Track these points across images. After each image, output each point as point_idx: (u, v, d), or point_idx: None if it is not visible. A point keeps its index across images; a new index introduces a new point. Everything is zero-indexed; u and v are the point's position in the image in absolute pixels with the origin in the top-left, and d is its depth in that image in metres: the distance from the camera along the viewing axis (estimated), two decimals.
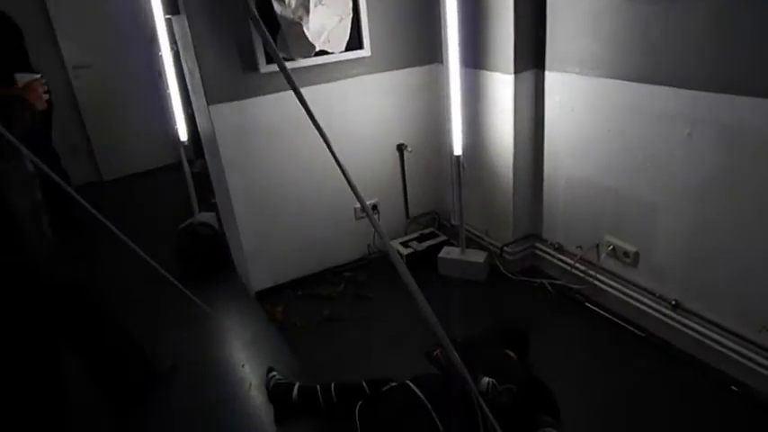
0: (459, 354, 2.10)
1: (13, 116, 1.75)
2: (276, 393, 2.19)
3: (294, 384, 2.19)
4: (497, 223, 3.03)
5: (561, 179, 2.73)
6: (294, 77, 1.14)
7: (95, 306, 2.12)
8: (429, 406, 1.72)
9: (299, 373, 2.39)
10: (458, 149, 2.80)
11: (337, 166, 1.19)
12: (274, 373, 2.32)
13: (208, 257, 3.40)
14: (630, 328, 2.45)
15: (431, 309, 1.19)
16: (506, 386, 1.74)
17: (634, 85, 2.19)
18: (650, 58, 2.10)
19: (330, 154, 1.19)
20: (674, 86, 2.04)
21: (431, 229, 3.38)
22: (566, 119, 2.59)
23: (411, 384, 1.83)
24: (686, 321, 2.26)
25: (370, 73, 2.93)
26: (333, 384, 2.12)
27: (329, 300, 2.94)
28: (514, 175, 2.81)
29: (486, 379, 1.78)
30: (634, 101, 2.22)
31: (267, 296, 3.02)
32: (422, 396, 1.75)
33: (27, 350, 1.92)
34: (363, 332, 2.65)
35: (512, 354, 2.10)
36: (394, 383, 2.00)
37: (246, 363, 2.50)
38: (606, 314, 2.57)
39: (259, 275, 3.02)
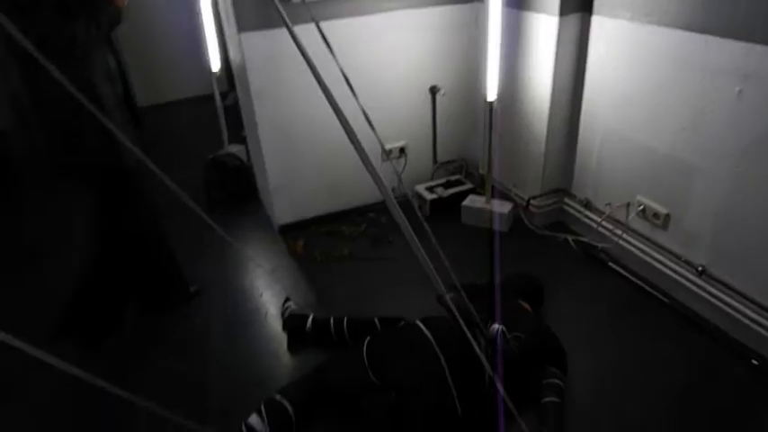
0: (472, 299, 2.11)
1: (101, 8, 1.85)
2: (290, 323, 2.25)
3: (308, 316, 2.24)
4: (526, 175, 2.95)
5: (597, 133, 2.62)
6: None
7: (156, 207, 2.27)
8: (435, 345, 1.73)
9: (315, 305, 2.44)
10: (492, 95, 2.70)
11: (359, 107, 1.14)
12: (290, 303, 2.38)
13: (234, 189, 3.45)
14: (652, 292, 2.40)
15: (428, 260, 1.17)
16: (515, 334, 1.74)
17: (687, 35, 2.05)
18: (708, 5, 1.95)
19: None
20: (729, 38, 1.90)
21: (458, 177, 3.33)
22: (609, 69, 2.45)
23: (420, 324, 1.85)
24: (711, 289, 2.20)
25: (406, 8, 2.82)
26: (346, 319, 2.17)
27: (350, 239, 2.96)
28: (549, 126, 2.72)
29: (495, 325, 1.78)
30: (685, 53, 2.08)
31: (290, 230, 3.06)
32: (429, 335, 1.77)
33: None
34: (380, 272, 2.67)
35: (526, 305, 2.09)
36: (404, 322, 2.03)
37: (264, 292, 2.55)
38: (628, 275, 2.51)
39: (283, 210, 3.04)
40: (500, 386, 1.36)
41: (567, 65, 2.59)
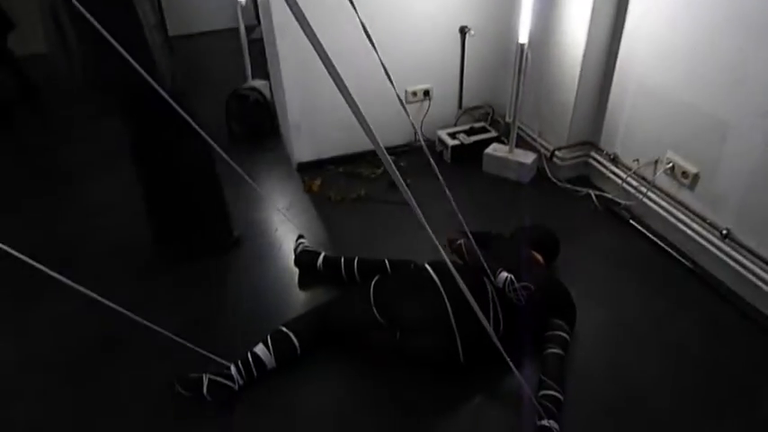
0: (485, 246, 2.09)
1: None
2: (302, 259, 2.27)
3: (320, 253, 2.25)
4: (553, 125, 2.85)
5: (631, 85, 2.49)
6: None
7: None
8: (442, 289, 1.73)
9: (327, 245, 2.46)
10: (523, 37, 2.57)
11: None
12: (303, 240, 2.39)
13: (255, 123, 3.42)
14: (671, 252, 2.34)
15: (421, 212, 1.14)
16: (524, 284, 1.71)
17: None
18: None
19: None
20: None
21: (482, 124, 3.24)
22: (652, 19, 2.30)
23: (428, 267, 1.83)
24: (733, 253, 2.13)
25: None
26: (357, 259, 2.17)
27: (367, 180, 2.93)
28: (581, 75, 2.59)
29: (504, 274, 1.75)
30: (732, 9, 1.93)
31: (308, 169, 3.04)
32: (436, 279, 1.76)
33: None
34: (395, 216, 2.65)
35: (538, 256, 2.05)
36: (414, 265, 2.02)
37: (279, 227, 2.57)
38: (649, 234, 2.44)
39: (302, 147, 3.02)
40: (495, 338, 1.35)
41: (606, 9, 2.44)
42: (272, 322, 1.89)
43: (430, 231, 1.11)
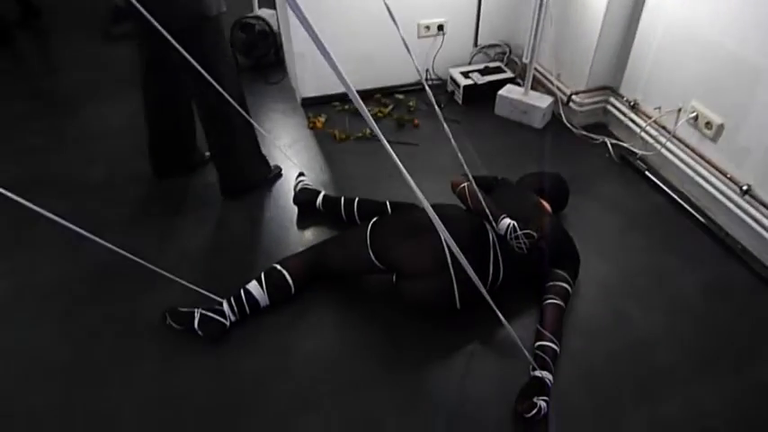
0: (490, 192, 2.00)
1: None
2: (301, 197, 2.20)
3: (320, 192, 2.18)
4: (572, 67, 2.69)
5: (659, 27, 2.32)
6: None
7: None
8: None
9: (328, 184, 2.38)
10: None
11: None
12: (303, 178, 2.31)
13: (260, 54, 3.28)
14: (687, 208, 2.24)
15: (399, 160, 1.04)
16: (526, 231, 1.63)
17: None
18: None
19: None
20: None
21: (498, 64, 3.07)
22: None
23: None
24: (751, 211, 2.02)
25: None
26: (357, 199, 2.10)
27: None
28: (606, 14, 2.41)
29: (507, 220, 1.67)
30: None
31: (313, 104, 2.92)
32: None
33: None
34: (402, 157, 2.51)
35: (545, 204, 1.97)
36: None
37: (280, 165, 2.48)
38: (665, 188, 2.34)
39: (307, 82, 2.89)
40: (483, 289, 1.29)
41: None
42: (269, 261, 1.85)
43: (408, 176, 1.01)
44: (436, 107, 1.50)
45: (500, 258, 1.69)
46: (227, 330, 1.72)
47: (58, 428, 1.48)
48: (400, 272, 1.72)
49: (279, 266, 1.80)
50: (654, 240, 2.12)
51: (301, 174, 2.35)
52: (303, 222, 2.18)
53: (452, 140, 1.53)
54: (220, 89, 1.81)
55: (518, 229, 1.64)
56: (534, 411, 1.46)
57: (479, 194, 1.73)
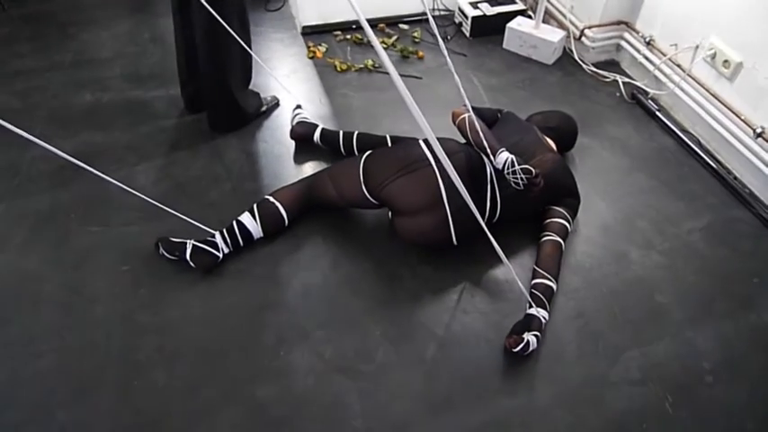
0: (493, 124, 1.92)
1: None
2: (299, 130, 2.12)
3: (317, 126, 2.11)
4: None
5: None
6: None
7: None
8: (435, 168, 1.60)
9: (329, 117, 2.30)
10: None
11: None
12: (301, 110, 2.23)
13: None
14: (697, 150, 2.16)
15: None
16: (524, 167, 1.57)
17: None
18: None
19: None
20: None
21: None
22: None
23: (422, 143, 1.69)
24: (763, 155, 1.95)
25: None
26: (356, 134, 2.03)
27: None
28: None
29: (505, 154, 1.60)
30: None
31: (313, 33, 2.80)
32: (429, 156, 1.63)
33: None
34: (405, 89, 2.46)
35: (549, 140, 1.89)
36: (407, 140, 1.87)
37: (277, 95, 2.39)
38: (675, 129, 2.25)
39: (308, 9, 2.75)
40: (483, 223, 1.24)
41: None
42: (265, 193, 1.81)
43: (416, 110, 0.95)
44: (439, 39, 1.40)
45: (498, 194, 1.65)
46: (220, 262, 1.70)
47: (52, 356, 1.49)
48: (394, 209, 1.68)
49: (272, 198, 1.76)
50: (660, 183, 2.06)
51: (298, 106, 2.26)
52: (300, 155, 2.12)
53: (455, 75, 1.45)
54: (211, 10, 1.70)
55: (516, 163, 1.57)
56: (522, 346, 1.46)
57: (479, 126, 1.66)
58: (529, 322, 1.53)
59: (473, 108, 1.88)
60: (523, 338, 1.47)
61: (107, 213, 1.86)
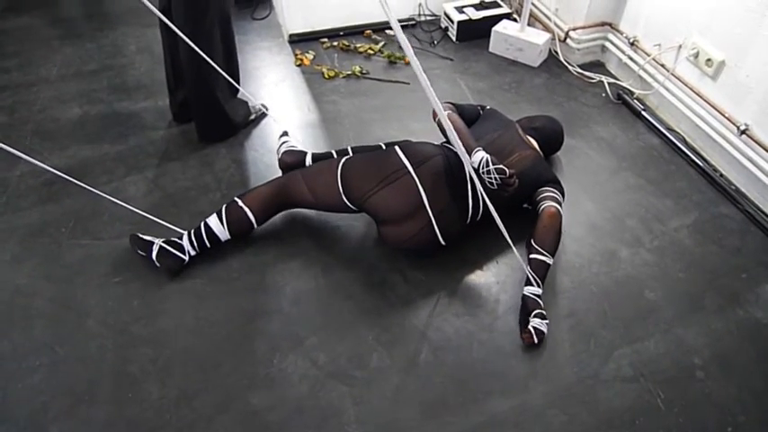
0: (475, 121, 1.91)
1: None
2: (287, 161, 1.98)
3: (306, 153, 1.99)
4: (571, 1, 2.57)
5: None
6: None
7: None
8: (412, 172, 1.60)
9: (317, 123, 2.31)
10: None
11: None
12: (287, 138, 2.11)
13: None
14: (682, 148, 2.19)
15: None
16: (498, 167, 1.57)
17: None
18: None
19: None
20: None
21: None
22: None
23: (398, 149, 1.68)
24: (747, 151, 1.98)
25: None
26: (349, 149, 1.96)
27: (364, 56, 2.71)
28: None
29: (481, 153, 1.60)
30: None
31: (300, 41, 2.81)
32: (406, 162, 1.62)
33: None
34: (391, 94, 2.47)
35: (531, 140, 1.90)
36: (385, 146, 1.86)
37: (266, 103, 2.39)
38: (661, 128, 2.28)
39: (294, 17, 2.76)
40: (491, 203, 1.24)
41: None
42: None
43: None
44: (400, 39, 1.41)
45: (479, 192, 1.65)
46: (186, 265, 1.71)
47: (44, 370, 1.48)
48: (378, 219, 1.69)
49: (240, 201, 1.73)
50: (647, 181, 2.08)
51: (285, 133, 2.13)
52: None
53: (422, 77, 1.46)
54: (186, 41, 1.69)
55: (491, 163, 1.58)
56: (536, 337, 1.52)
57: (457, 125, 1.67)
58: (525, 305, 1.59)
59: (455, 105, 1.89)
60: (530, 331, 1.52)
61: (97, 226, 1.86)
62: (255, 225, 1.75)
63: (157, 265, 1.66)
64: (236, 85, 2.13)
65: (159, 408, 1.41)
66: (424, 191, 1.59)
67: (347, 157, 1.72)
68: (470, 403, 1.43)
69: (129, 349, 1.53)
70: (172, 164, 2.11)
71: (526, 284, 1.63)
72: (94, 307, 1.63)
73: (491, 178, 1.59)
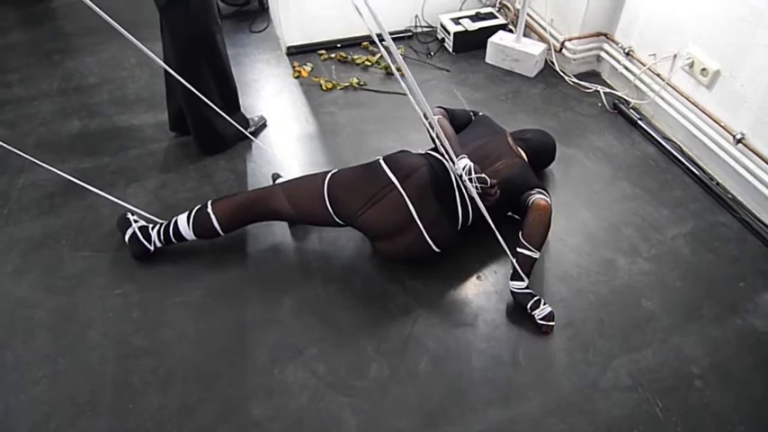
0: (465, 127, 1.91)
1: None
2: None
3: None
4: (567, 11, 2.60)
5: None
6: None
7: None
8: (399, 187, 1.60)
9: (316, 135, 2.33)
10: None
11: None
12: (281, 177, 2.04)
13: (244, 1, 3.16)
14: (678, 157, 2.20)
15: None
16: (480, 176, 1.57)
17: None
18: None
19: None
20: None
21: (489, 9, 2.97)
22: None
23: (382, 163, 1.67)
24: (744, 160, 2.00)
25: None
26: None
27: (361, 68, 2.73)
28: None
29: (464, 161, 1.60)
30: None
31: (298, 53, 2.83)
32: (392, 176, 1.62)
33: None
34: (389, 105, 2.50)
35: (518, 149, 1.89)
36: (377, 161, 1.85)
37: (264, 115, 2.41)
38: (657, 137, 2.30)
39: (292, 29, 2.79)
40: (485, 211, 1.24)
41: None
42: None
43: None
44: (398, 56, 1.43)
45: (467, 198, 1.67)
46: (151, 254, 1.79)
47: (46, 381, 1.49)
48: (370, 235, 1.71)
49: (210, 209, 1.72)
50: (643, 190, 2.10)
51: (277, 176, 2.05)
52: (288, 173, 2.14)
53: (404, 86, 1.48)
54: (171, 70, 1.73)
55: (473, 171, 1.57)
56: (549, 324, 1.60)
57: (446, 131, 1.68)
58: (517, 302, 1.65)
59: (446, 110, 1.89)
60: (541, 325, 1.60)
61: (98, 238, 1.87)
62: (221, 233, 1.75)
63: (127, 245, 1.78)
64: (235, 102, 2.16)
65: (160, 418, 1.41)
66: (413, 204, 1.60)
67: (333, 171, 1.70)
68: (470, 413, 1.44)
69: (130, 360, 1.53)
70: (172, 175, 2.13)
71: (512, 279, 1.65)
72: (95, 318, 1.64)
73: (473, 186, 1.58)
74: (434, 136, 1.67)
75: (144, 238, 1.76)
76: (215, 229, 1.73)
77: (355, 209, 1.63)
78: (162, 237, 1.76)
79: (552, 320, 1.61)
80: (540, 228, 1.66)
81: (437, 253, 1.69)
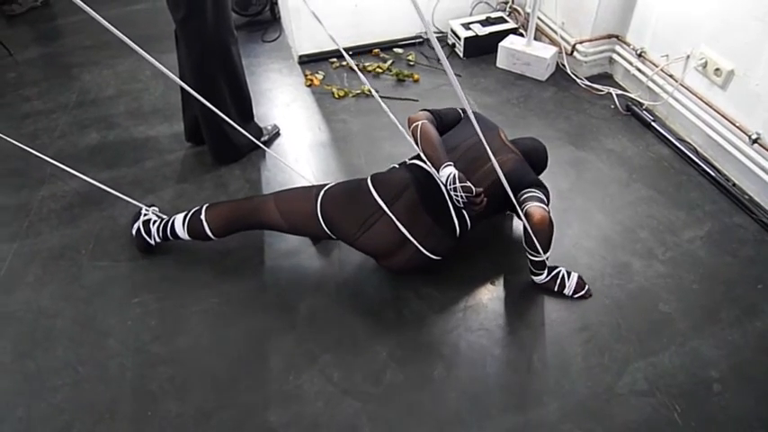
0: (452, 125, 1.85)
1: None
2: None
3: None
4: (577, 14, 2.60)
5: None
6: None
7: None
8: (387, 211, 1.58)
9: (328, 143, 2.35)
10: None
11: None
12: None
13: (254, 10, 3.20)
14: (693, 159, 2.18)
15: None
16: (464, 185, 1.53)
17: None
18: None
19: None
20: None
21: (500, 14, 2.97)
22: None
23: (369, 184, 1.64)
24: (760, 160, 1.97)
25: None
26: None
27: (373, 75, 2.75)
28: None
29: (449, 169, 1.56)
30: None
31: (309, 62, 2.86)
32: (379, 200, 1.59)
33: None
34: (402, 113, 2.49)
35: (514, 147, 1.80)
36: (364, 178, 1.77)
37: (278, 124, 2.44)
38: (671, 138, 2.28)
39: (303, 39, 2.82)
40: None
41: None
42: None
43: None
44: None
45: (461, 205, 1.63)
46: (153, 248, 1.87)
47: (67, 389, 1.52)
48: (368, 255, 1.72)
49: (203, 215, 1.74)
50: (658, 192, 2.08)
51: None
52: (302, 181, 2.16)
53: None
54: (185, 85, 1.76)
55: (457, 180, 1.54)
56: (585, 290, 1.71)
57: (430, 139, 1.64)
58: (547, 289, 1.72)
59: (432, 111, 1.82)
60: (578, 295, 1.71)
61: (116, 248, 1.90)
62: (213, 238, 1.78)
63: (133, 237, 1.87)
64: (250, 112, 2.20)
65: (178, 425, 1.43)
66: (404, 226, 1.58)
67: (326, 188, 1.67)
68: (485, 419, 1.43)
69: (148, 368, 1.56)
70: (187, 185, 2.16)
71: (531, 274, 1.72)
72: (114, 327, 1.66)
73: (458, 196, 1.55)
74: (419, 150, 1.65)
75: (145, 232, 1.84)
76: (207, 235, 1.76)
77: (350, 233, 1.63)
78: (160, 233, 1.82)
79: (584, 288, 1.71)
80: (539, 237, 1.58)
81: (437, 260, 1.67)
